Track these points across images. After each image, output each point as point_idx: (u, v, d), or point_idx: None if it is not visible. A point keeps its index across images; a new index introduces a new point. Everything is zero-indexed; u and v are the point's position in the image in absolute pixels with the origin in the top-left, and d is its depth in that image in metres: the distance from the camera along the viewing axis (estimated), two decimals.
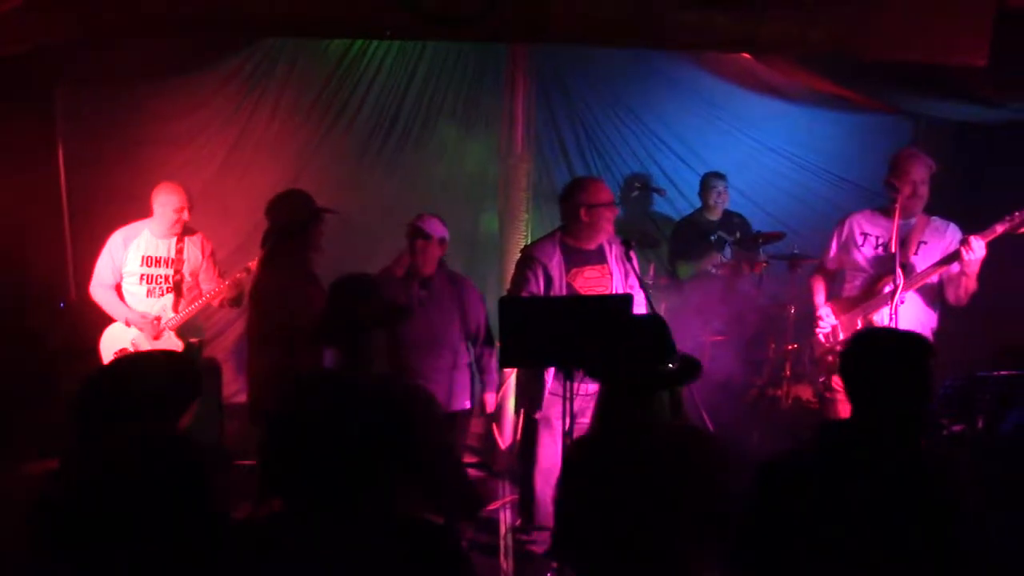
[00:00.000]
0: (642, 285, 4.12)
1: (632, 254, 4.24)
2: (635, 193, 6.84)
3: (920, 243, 4.41)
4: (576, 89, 6.83)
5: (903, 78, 5.19)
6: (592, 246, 4.35)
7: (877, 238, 4.49)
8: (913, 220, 4.41)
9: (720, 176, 6.35)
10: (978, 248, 4.11)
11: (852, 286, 4.58)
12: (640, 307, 4.14)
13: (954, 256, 4.20)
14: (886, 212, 4.47)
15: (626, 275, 4.35)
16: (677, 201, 6.96)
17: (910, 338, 2.49)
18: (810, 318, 4.78)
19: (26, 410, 5.01)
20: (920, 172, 4.35)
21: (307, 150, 6.47)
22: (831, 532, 2.28)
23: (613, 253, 4.38)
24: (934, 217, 4.47)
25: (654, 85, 6.79)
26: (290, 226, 4.27)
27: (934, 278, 4.35)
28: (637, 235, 5.64)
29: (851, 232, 4.58)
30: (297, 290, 4.12)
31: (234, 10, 4.32)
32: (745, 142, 6.90)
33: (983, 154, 5.94)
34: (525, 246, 4.83)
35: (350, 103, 6.56)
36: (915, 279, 4.32)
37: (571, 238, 4.36)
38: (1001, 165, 5.63)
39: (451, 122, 6.69)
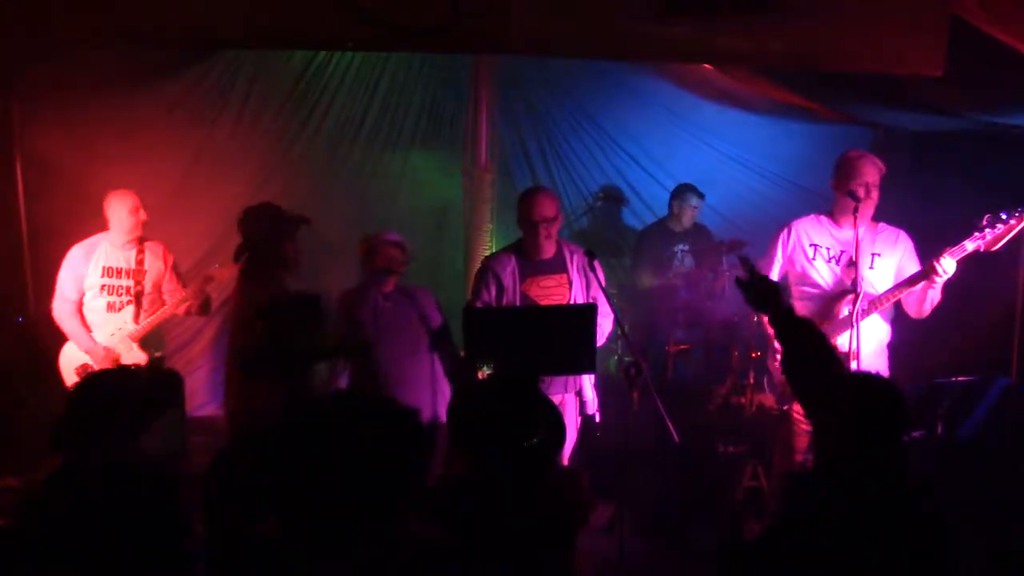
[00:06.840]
0: (607, 295, 4.13)
1: (597, 264, 4.23)
2: (599, 203, 6.89)
3: (874, 255, 4.14)
4: (540, 101, 6.87)
5: (860, 88, 5.25)
6: (546, 256, 4.31)
7: (828, 249, 4.19)
8: (862, 228, 4.05)
9: (698, 195, 6.33)
10: (950, 268, 3.81)
11: (804, 305, 4.22)
12: (604, 317, 4.15)
13: (924, 275, 3.90)
14: (832, 218, 4.19)
15: (588, 285, 4.30)
16: (642, 212, 7.00)
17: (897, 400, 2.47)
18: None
19: None
20: (872, 174, 4.06)
21: (271, 160, 6.43)
22: None
23: (575, 263, 4.32)
24: (881, 224, 4.20)
25: (618, 96, 6.84)
26: (262, 239, 4.25)
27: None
28: (599, 244, 5.65)
29: (799, 242, 4.27)
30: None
31: (195, 22, 4.29)
32: (708, 152, 6.97)
33: (940, 163, 6.00)
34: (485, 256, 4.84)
35: (314, 114, 6.54)
36: (878, 301, 4.03)
37: (527, 248, 4.35)
38: (958, 174, 5.68)
39: (415, 134, 6.69)
